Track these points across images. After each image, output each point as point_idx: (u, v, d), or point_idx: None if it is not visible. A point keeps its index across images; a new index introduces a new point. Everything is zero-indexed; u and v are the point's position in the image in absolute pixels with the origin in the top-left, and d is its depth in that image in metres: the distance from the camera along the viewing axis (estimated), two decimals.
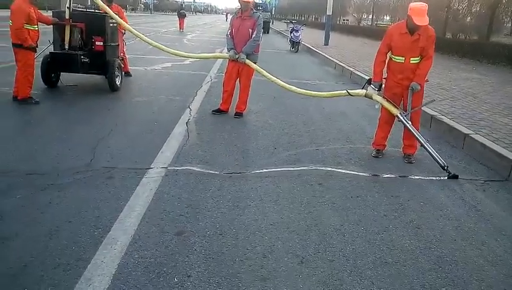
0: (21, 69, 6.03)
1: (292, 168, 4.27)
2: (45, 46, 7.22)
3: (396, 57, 4.53)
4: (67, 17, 6.84)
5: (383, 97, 4.71)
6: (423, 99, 4.86)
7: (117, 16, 6.40)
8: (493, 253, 2.93)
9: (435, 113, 6.29)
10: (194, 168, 4.06)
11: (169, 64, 10.97)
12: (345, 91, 5.15)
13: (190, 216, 3.15)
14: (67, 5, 6.89)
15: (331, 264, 2.66)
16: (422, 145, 4.49)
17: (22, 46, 5.95)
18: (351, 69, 11.45)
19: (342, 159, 4.64)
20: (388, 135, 4.89)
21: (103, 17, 7.14)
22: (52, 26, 7.03)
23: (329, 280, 2.51)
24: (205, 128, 5.44)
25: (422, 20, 4.25)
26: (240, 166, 4.22)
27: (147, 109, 6.26)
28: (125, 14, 9.19)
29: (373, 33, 29.94)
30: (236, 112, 6.11)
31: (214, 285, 2.39)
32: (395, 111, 4.61)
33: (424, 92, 4.82)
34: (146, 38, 6.14)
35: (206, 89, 8.14)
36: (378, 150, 4.84)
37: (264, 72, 5.78)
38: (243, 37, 5.87)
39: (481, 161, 4.80)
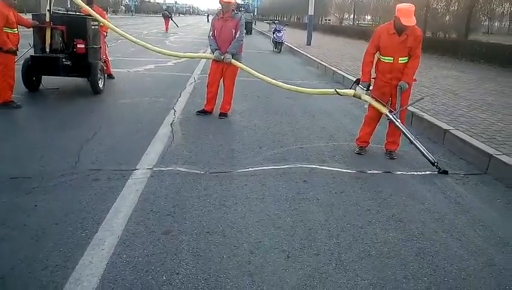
0: (1, 73, 5.95)
1: (277, 167, 4.32)
2: (26, 50, 7.15)
3: (385, 57, 4.62)
4: (47, 19, 6.78)
5: (372, 96, 4.80)
6: (410, 98, 4.97)
7: (101, 17, 6.37)
8: (472, 243, 3.03)
9: (416, 110, 6.43)
10: (179, 169, 4.08)
11: (152, 66, 10.94)
12: (334, 90, 5.23)
13: (177, 215, 3.17)
14: (48, 7, 6.83)
15: (316, 258, 2.73)
16: (411, 142, 4.59)
17: (2, 50, 5.88)
18: (334, 68, 11.58)
19: (325, 156, 4.72)
20: (373, 132, 4.98)
21: (84, 20, 7.10)
22: (32, 29, 6.95)
23: (315, 273, 2.57)
24: (190, 129, 5.47)
25: (409, 21, 4.35)
26: (225, 165, 4.26)
27: (131, 111, 6.25)
28: (106, 16, 9.13)
29: (355, 33, 30.28)
30: (220, 113, 6.14)
31: (202, 281, 2.43)
32: (384, 110, 4.70)
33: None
34: (132, 37, 6.12)
35: (190, 90, 8.15)
36: (361, 147, 4.93)
37: (251, 70, 5.82)
38: (226, 38, 5.89)
39: (461, 155, 4.94)
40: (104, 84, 7.47)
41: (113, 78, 8.80)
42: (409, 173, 4.37)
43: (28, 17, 7.49)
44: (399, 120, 4.65)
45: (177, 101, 7.06)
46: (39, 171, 3.85)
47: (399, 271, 2.64)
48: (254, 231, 3.01)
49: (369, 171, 4.36)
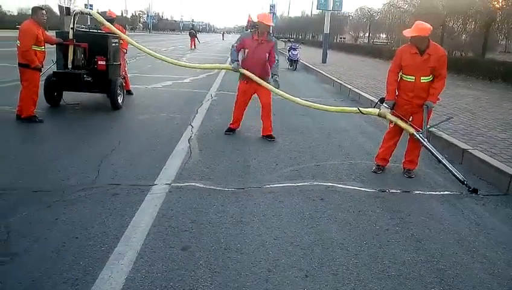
0: (26, 88, 6.13)
1: (294, 184, 4.32)
2: (49, 66, 7.35)
3: (407, 76, 4.63)
4: (70, 37, 6.98)
5: (397, 116, 4.77)
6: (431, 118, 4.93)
7: (122, 33, 6.55)
8: (494, 266, 2.97)
9: (434, 129, 6.38)
10: (197, 184, 4.11)
11: (169, 83, 11.11)
12: (356, 108, 5.23)
13: (195, 231, 3.19)
14: (71, 25, 7.03)
15: (335, 277, 2.70)
16: (439, 161, 4.57)
17: (29, 67, 6.06)
18: (349, 86, 11.60)
19: (342, 174, 4.70)
20: (393, 152, 4.96)
21: (106, 37, 7.28)
22: (55, 46, 7.16)
23: None
24: (207, 145, 5.51)
25: (407, 32, 4.49)
26: (242, 182, 4.28)
27: (149, 127, 6.34)
28: (126, 32, 9.34)
29: (370, 51, 30.35)
30: (268, 135, 6.03)
31: None
32: (411, 130, 4.69)
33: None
34: (153, 52, 6.30)
35: (206, 106, 8.24)
36: (379, 165, 4.90)
37: (280, 92, 5.81)
38: (260, 60, 5.78)
39: (480, 175, 4.87)
40: (123, 100, 7.61)
41: (132, 94, 8.96)
42: (428, 192, 4.32)
43: (51, 34, 7.70)
44: (426, 139, 4.63)
45: (194, 117, 7.14)
46: (60, 185, 3.92)
47: None
48: (271, 249, 3.00)
49: (388, 191, 4.32)
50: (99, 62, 7.17)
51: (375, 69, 18.31)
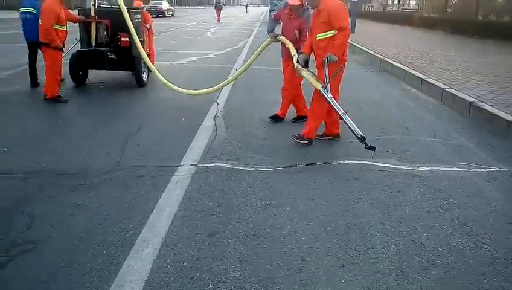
0: (49, 68, 6.06)
1: (326, 162, 4.08)
2: (72, 45, 7.26)
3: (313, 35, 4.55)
4: (92, 14, 6.83)
5: (309, 72, 4.59)
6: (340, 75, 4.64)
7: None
8: None
9: (474, 100, 5.95)
10: (224, 165, 3.93)
11: (194, 59, 10.89)
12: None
13: (222, 216, 3.02)
14: (92, 2, 6.87)
15: (374, 267, 2.48)
16: (340, 116, 4.28)
17: (50, 46, 5.97)
18: (380, 56, 11.06)
19: (377, 150, 4.40)
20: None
21: (128, 13, 7.07)
22: (78, 24, 7.04)
23: (373, 285, 2.33)
24: (233, 123, 5.30)
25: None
26: (271, 162, 4.06)
27: (174, 105, 6.17)
28: (151, 18, 9.00)
29: (399, 19, 29.02)
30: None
31: None
32: (318, 86, 4.40)
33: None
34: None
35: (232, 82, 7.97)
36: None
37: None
38: (288, 37, 5.14)
39: None
40: (148, 77, 7.46)
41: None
42: (473, 169, 3.98)
43: (74, 12, 7.59)
44: (330, 94, 4.32)
45: (219, 93, 6.91)
46: (84, 167, 3.82)
47: (470, 285, 2.35)
48: (304, 235, 2.80)
49: (426, 168, 4.02)
50: (122, 39, 7.02)
51: (406, 37, 17.48)
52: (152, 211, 3.06)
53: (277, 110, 5.47)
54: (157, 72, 6.03)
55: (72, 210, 3.03)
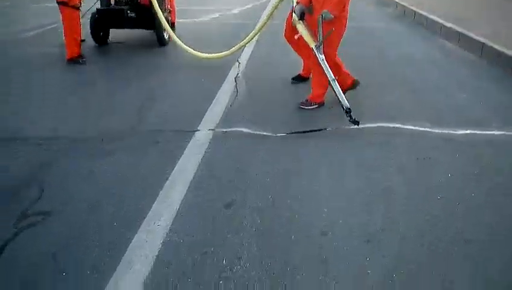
0: (67, 28, 5.90)
1: (352, 127, 3.82)
2: (93, 4, 7.05)
3: None
4: None
5: (305, 26, 4.14)
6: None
7: None
8: None
9: (501, 49, 5.43)
10: (243, 129, 3.73)
11: (217, 15, 10.48)
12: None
13: (240, 184, 2.86)
14: None
15: (403, 243, 2.28)
16: (329, 82, 3.92)
17: (67, 4, 5.79)
18: (414, 8, 10.32)
19: (408, 113, 4.10)
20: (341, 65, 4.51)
21: None
22: None
23: (401, 262, 2.14)
24: (255, 84, 5.04)
25: None
26: (293, 126, 3.83)
27: (194, 65, 5.92)
28: None
29: None
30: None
31: (266, 268, 2.11)
32: (312, 44, 4.00)
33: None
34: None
35: (255, 38, 7.61)
36: None
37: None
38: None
39: None
40: (169, 36, 7.20)
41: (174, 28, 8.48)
42: None
43: None
44: (322, 55, 3.93)
45: (242, 51, 6.60)
46: (100, 132, 3.70)
47: (506, 265, 2.12)
48: (326, 206, 2.61)
49: (462, 132, 3.69)
50: None
51: None
52: (167, 179, 2.92)
53: (300, 70, 5.16)
54: (174, 35, 5.79)
55: (84, 179, 2.93)
